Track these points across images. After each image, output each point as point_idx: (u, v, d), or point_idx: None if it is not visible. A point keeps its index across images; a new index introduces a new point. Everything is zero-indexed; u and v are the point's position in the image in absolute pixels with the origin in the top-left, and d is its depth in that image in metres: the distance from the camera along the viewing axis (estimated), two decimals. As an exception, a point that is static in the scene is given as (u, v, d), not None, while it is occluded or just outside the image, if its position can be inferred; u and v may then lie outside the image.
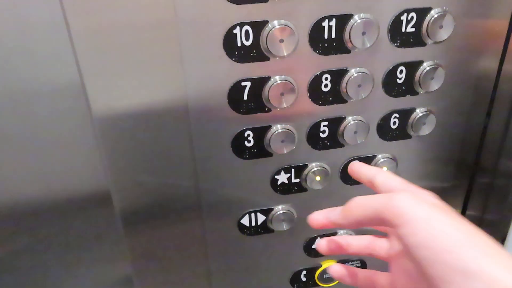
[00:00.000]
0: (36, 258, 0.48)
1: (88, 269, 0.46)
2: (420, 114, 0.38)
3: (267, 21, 0.31)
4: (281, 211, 0.40)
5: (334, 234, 0.43)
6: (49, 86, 0.33)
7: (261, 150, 0.36)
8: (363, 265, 0.46)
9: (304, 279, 0.45)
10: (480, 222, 0.47)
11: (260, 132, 0.36)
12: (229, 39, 0.31)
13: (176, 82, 0.32)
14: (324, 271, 0.45)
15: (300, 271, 0.45)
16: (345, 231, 0.43)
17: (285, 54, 0.32)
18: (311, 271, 0.45)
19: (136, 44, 0.30)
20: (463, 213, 0.48)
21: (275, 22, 0.31)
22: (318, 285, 0.46)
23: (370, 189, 0.41)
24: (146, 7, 0.30)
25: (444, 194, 0.44)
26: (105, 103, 0.32)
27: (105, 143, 0.34)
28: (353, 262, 0.46)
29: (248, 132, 0.35)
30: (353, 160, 0.39)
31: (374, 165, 0.39)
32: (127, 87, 0.32)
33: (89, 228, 0.46)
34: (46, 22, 0.30)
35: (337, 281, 0.47)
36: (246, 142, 0.36)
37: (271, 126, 0.36)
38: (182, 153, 0.36)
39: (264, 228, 0.41)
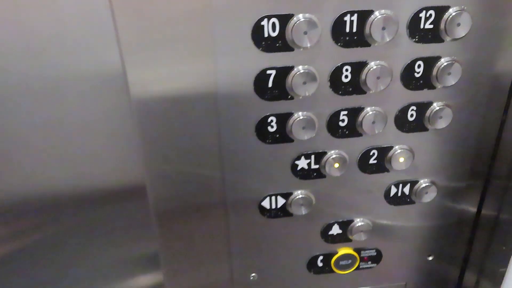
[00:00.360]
0: (62, 246, 0.52)
1: (116, 250, 0.50)
2: (437, 108, 0.39)
3: (293, 14, 0.34)
4: (300, 196, 0.42)
5: (351, 221, 0.45)
6: (89, 73, 0.37)
7: (283, 136, 0.39)
8: (379, 254, 0.48)
9: (320, 264, 0.47)
10: (495, 222, 0.48)
11: (283, 118, 0.38)
12: (257, 30, 0.34)
13: (207, 69, 0.35)
14: (340, 258, 0.47)
15: (317, 257, 0.47)
16: (361, 219, 0.45)
17: (308, 45, 0.35)
18: (327, 257, 0.47)
19: (174, 32, 0.34)
20: (478, 212, 0.49)
21: (300, 16, 0.34)
22: (334, 271, 0.48)
23: (388, 178, 0.43)
24: (184, -2, 0.33)
25: (459, 192, 0.46)
26: (143, 86, 0.35)
27: (141, 125, 0.38)
28: (368, 251, 0.48)
29: (272, 117, 0.38)
30: (371, 149, 0.41)
31: (391, 156, 0.41)
32: (164, 72, 0.35)
33: (120, 214, 0.49)
34: (90, 9, 0.33)
35: (352, 269, 0.48)
36: (269, 127, 0.38)
37: (293, 113, 0.38)
38: (209, 137, 0.39)
39: (283, 212, 0.43)
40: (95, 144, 0.42)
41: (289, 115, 0.38)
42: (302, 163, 0.41)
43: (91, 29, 0.34)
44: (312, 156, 0.40)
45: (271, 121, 0.38)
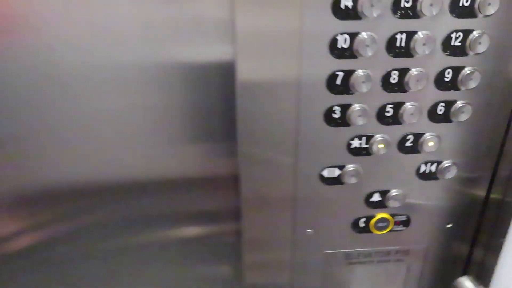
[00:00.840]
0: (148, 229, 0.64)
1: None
2: (460, 105, 0.52)
3: (359, 32, 0.47)
4: (352, 168, 0.55)
5: (388, 191, 0.58)
6: (198, 61, 0.50)
7: (343, 121, 0.52)
8: (408, 219, 0.61)
9: (362, 225, 0.60)
10: (501, 203, 0.59)
11: (344, 108, 0.51)
12: (333, 42, 0.47)
13: (295, 66, 0.48)
14: (378, 221, 0.60)
15: (360, 218, 0.60)
16: (396, 190, 0.58)
17: (369, 55, 0.48)
18: (368, 219, 0.60)
19: (276, 34, 0.47)
20: (488, 193, 0.61)
21: (364, 34, 0.47)
22: (372, 232, 0.61)
23: (419, 158, 0.56)
24: (288, 17, 0.46)
25: (474, 172, 0.58)
26: (247, 75, 0.49)
27: (241, 112, 0.51)
28: (400, 216, 0.60)
29: (336, 107, 0.51)
30: (408, 135, 0.54)
31: (423, 141, 0.54)
32: (264, 63, 0.48)
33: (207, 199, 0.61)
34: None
35: (387, 230, 0.61)
36: (333, 114, 0.51)
37: (351, 104, 0.51)
38: (288, 121, 0.52)
39: (337, 181, 0.56)
40: (194, 130, 0.56)
41: (349, 105, 0.51)
42: (355, 143, 0.54)
43: (209, 20, 0.48)
44: (363, 138, 0.53)
45: (336, 109, 0.51)
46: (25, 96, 0.52)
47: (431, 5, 0.46)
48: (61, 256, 0.65)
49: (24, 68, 0.50)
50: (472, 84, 0.51)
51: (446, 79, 0.51)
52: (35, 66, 0.50)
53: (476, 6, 0.47)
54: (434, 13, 0.46)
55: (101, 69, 0.50)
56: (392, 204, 0.58)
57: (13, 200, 0.59)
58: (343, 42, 0.47)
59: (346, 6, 0.45)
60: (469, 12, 0.47)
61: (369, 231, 0.61)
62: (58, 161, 0.57)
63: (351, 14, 0.46)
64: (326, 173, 0.56)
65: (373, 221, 0.60)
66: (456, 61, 0.50)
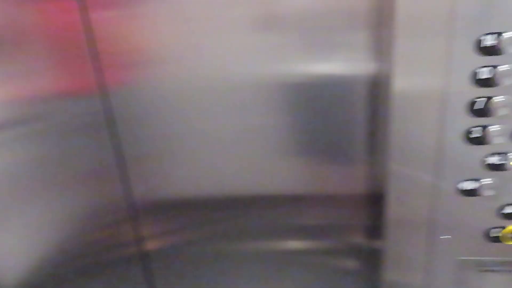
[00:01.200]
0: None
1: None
2: None
3: (498, 65, 0.57)
4: (488, 182, 0.64)
5: (520, 203, 0.65)
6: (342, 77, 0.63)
7: (481, 140, 0.61)
8: (538, 232, 0.67)
9: (495, 235, 0.67)
10: None
11: (483, 128, 0.61)
12: (475, 73, 0.58)
13: (440, 93, 0.59)
14: (510, 232, 0.67)
15: (492, 229, 0.67)
16: (528, 203, 0.65)
17: (506, 84, 0.57)
18: (500, 230, 0.67)
19: (432, 57, 0.58)
20: None
21: (503, 66, 0.57)
22: (502, 242, 0.68)
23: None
24: (437, 47, 0.58)
25: None
26: (400, 93, 0.60)
27: (394, 126, 0.62)
28: (531, 228, 0.67)
29: (475, 127, 0.61)
30: (540, 152, 0.62)
31: (554, 158, 0.61)
32: (414, 85, 0.60)
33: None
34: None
35: (518, 241, 0.68)
36: (473, 134, 0.61)
37: (489, 125, 0.60)
38: (432, 139, 0.62)
39: (474, 193, 0.65)
40: (327, 147, 0.68)
41: (487, 126, 0.61)
42: (492, 159, 0.62)
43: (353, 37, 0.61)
44: (500, 155, 0.62)
45: (475, 130, 0.61)
46: (167, 117, 0.67)
47: (562, 41, 0.55)
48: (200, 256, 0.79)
49: (168, 95, 0.65)
50: None
51: (542, 103, 0.59)
52: (177, 93, 0.66)
53: None
54: None
55: (243, 89, 0.65)
56: (524, 216, 0.65)
57: (161, 205, 0.75)
58: (484, 73, 0.58)
59: (488, 45, 0.56)
60: None
61: (501, 241, 0.68)
62: (207, 174, 0.72)
63: (491, 50, 0.57)
64: (464, 185, 0.65)
65: (505, 231, 0.67)
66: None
